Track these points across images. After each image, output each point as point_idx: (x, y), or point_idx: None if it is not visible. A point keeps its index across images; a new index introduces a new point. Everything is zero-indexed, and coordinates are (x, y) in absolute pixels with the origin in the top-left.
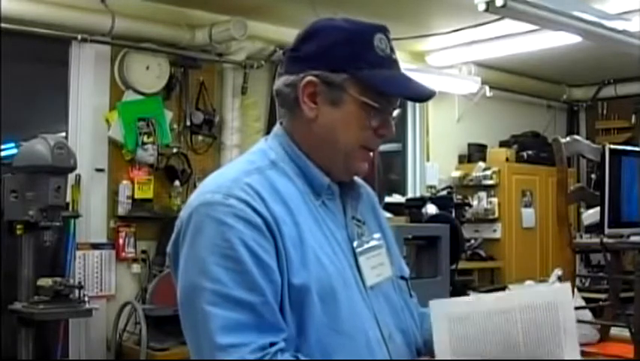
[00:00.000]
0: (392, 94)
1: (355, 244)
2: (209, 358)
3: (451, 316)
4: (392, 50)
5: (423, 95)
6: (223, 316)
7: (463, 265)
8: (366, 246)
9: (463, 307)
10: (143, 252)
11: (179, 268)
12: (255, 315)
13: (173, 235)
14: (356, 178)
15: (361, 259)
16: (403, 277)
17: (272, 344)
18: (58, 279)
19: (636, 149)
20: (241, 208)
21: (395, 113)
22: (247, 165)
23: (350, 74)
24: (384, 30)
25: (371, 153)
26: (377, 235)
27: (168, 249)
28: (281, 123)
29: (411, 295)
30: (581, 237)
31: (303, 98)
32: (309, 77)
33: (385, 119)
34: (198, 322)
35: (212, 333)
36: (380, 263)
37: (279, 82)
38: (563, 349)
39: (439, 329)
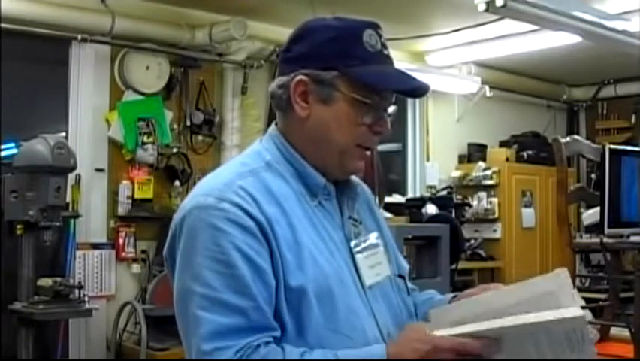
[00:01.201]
0: (382, 89)
1: (352, 243)
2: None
3: (450, 321)
4: (383, 45)
5: (415, 90)
6: (212, 320)
7: (463, 265)
8: (363, 245)
9: (462, 313)
10: (143, 252)
11: (174, 272)
12: (245, 319)
13: (168, 239)
14: (352, 177)
15: (359, 259)
16: (400, 276)
17: (250, 345)
18: (58, 279)
19: (636, 149)
20: (234, 212)
21: (391, 109)
22: (241, 168)
23: (339, 71)
24: (374, 26)
25: (368, 152)
26: (374, 234)
27: (164, 252)
28: (276, 124)
29: (409, 292)
30: (581, 237)
31: (294, 97)
32: (300, 77)
33: (380, 116)
34: (189, 325)
35: (200, 337)
36: (378, 262)
37: (273, 84)
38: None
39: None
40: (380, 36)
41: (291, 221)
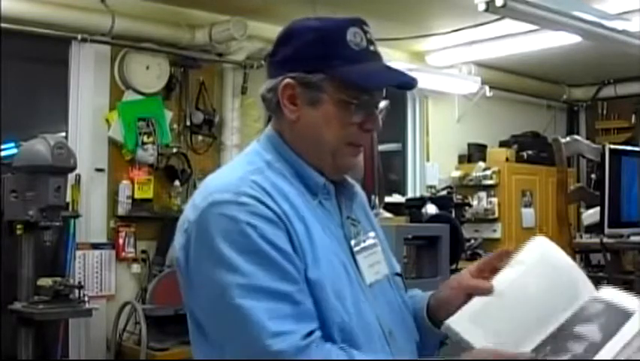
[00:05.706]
0: (369, 88)
1: (353, 243)
2: (257, 350)
3: (470, 317)
4: (370, 41)
5: (402, 85)
6: (262, 307)
7: (463, 265)
8: (362, 245)
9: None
10: (143, 252)
11: (191, 272)
12: (293, 304)
13: (182, 240)
14: (349, 178)
15: (359, 258)
16: (397, 274)
17: (311, 333)
18: (58, 279)
19: (636, 149)
20: (254, 205)
21: (382, 104)
22: (248, 166)
23: (325, 72)
24: (359, 23)
25: (361, 148)
26: (372, 234)
27: (177, 253)
28: (273, 126)
29: (406, 291)
30: (581, 237)
31: (283, 101)
32: (287, 80)
33: (369, 114)
34: (236, 319)
35: (259, 325)
36: (377, 261)
37: (263, 88)
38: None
39: (472, 337)
40: (366, 32)
41: (303, 217)
